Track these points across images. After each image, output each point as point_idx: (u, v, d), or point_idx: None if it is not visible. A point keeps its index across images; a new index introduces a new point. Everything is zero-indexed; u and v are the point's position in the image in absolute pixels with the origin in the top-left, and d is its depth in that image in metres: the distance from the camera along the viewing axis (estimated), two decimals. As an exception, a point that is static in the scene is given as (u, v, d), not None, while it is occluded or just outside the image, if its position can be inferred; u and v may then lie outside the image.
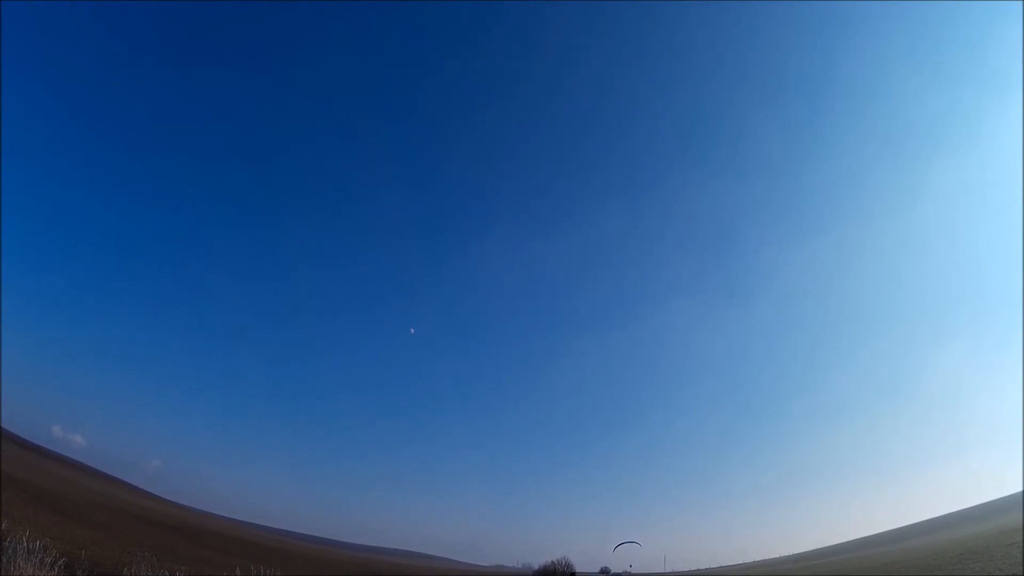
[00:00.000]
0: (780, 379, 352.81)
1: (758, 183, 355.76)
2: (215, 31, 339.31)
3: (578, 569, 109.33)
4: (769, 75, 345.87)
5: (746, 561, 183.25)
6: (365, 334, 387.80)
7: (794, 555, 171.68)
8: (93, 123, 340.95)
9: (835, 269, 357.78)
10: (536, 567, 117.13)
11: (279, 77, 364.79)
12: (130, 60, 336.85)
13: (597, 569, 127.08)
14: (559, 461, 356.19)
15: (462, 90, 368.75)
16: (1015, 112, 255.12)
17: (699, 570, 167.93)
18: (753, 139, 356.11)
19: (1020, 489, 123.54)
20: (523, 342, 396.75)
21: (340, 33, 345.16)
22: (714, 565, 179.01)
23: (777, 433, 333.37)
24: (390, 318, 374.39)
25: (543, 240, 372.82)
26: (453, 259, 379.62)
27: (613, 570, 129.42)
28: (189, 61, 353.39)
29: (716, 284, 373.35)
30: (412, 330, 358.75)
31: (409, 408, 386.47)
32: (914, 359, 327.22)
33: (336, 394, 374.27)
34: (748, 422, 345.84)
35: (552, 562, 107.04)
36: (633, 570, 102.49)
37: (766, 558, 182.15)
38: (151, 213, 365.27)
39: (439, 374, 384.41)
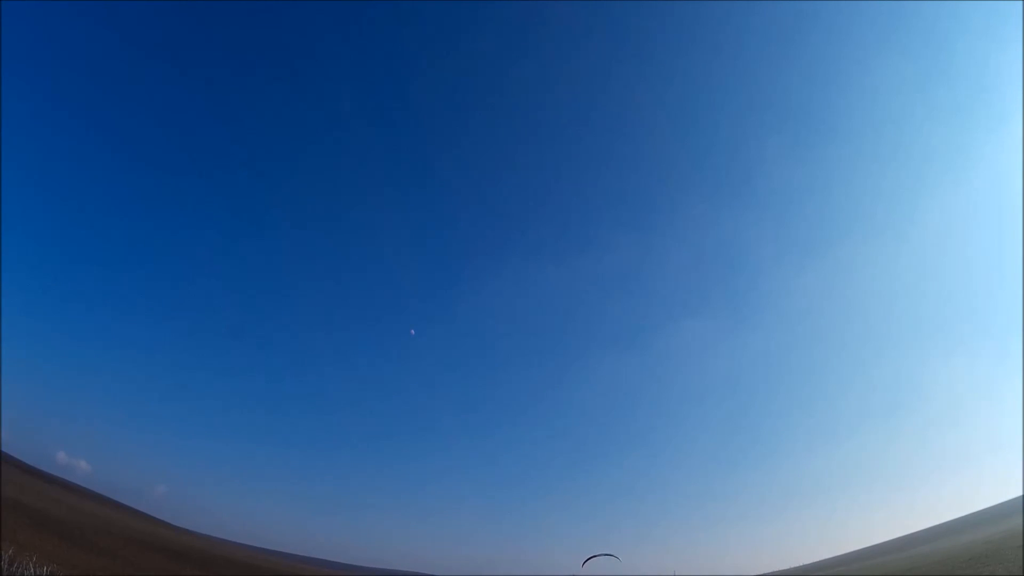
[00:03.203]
0: (786, 394, 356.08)
1: (764, 209, 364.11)
2: (224, 41, 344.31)
3: None
4: (773, 106, 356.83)
5: (755, 574, 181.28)
6: (375, 357, 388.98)
7: (803, 566, 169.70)
8: (96, 135, 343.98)
9: (840, 289, 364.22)
10: None
11: (297, 87, 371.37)
12: (134, 67, 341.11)
13: None
14: (569, 478, 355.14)
15: (486, 119, 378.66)
16: (1014, 138, 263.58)
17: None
18: (759, 167, 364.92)
19: (1021, 493, 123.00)
20: (535, 363, 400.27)
21: (358, 50, 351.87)
22: (725, 575, 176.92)
23: (784, 447, 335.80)
24: (403, 341, 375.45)
25: (556, 266, 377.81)
26: (467, 283, 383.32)
27: None
28: (195, 69, 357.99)
29: (724, 306, 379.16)
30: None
31: (419, 431, 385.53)
32: (916, 371, 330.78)
33: (345, 418, 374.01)
34: (756, 437, 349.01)
35: None
36: None
37: (776, 570, 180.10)
38: (159, 239, 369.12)
39: (452, 397, 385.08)
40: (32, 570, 26.79)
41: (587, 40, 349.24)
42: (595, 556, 55.63)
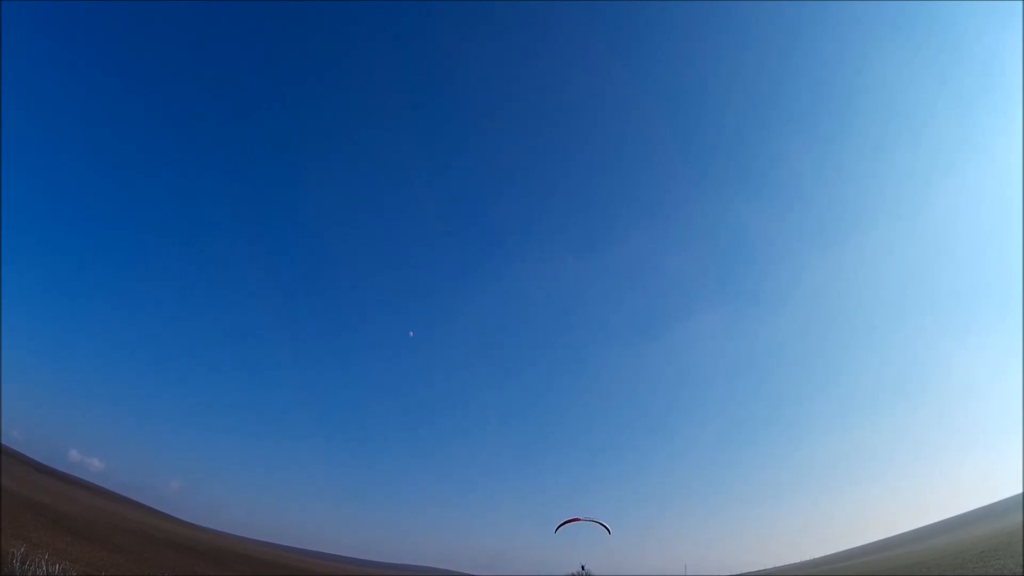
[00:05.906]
0: (798, 388, 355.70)
1: (775, 199, 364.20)
2: (232, 48, 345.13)
3: None
4: (784, 98, 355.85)
5: (769, 566, 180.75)
6: (392, 348, 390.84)
7: (816, 559, 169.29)
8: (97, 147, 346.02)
9: (850, 278, 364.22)
10: None
11: (316, 79, 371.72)
12: (137, 68, 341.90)
13: None
14: (581, 472, 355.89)
15: (504, 116, 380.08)
16: (1015, 125, 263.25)
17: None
18: (770, 159, 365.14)
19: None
20: (552, 356, 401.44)
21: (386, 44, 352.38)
22: (736, 572, 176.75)
23: (796, 441, 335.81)
24: (421, 332, 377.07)
25: (575, 258, 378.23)
26: (485, 276, 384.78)
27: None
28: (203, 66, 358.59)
29: (736, 296, 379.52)
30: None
31: (434, 426, 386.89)
32: (928, 364, 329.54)
33: (359, 412, 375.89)
34: (768, 430, 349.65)
35: (574, 575, 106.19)
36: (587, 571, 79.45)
37: (790, 562, 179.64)
38: (171, 239, 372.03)
39: (468, 392, 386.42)
40: (45, 568, 27.05)
41: (600, 36, 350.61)
42: (577, 520, 51.88)
